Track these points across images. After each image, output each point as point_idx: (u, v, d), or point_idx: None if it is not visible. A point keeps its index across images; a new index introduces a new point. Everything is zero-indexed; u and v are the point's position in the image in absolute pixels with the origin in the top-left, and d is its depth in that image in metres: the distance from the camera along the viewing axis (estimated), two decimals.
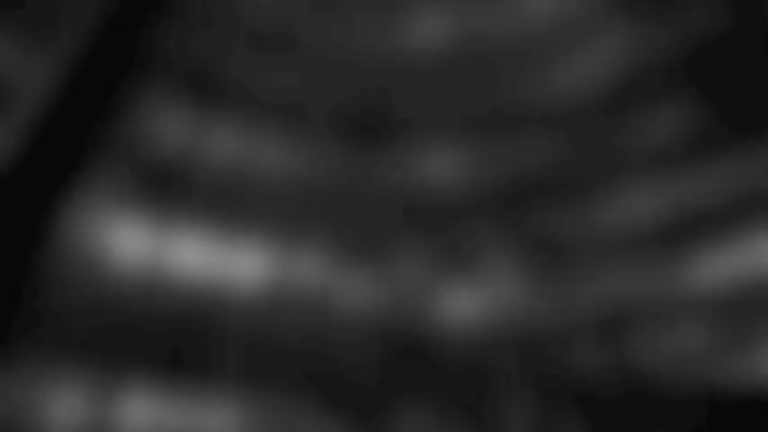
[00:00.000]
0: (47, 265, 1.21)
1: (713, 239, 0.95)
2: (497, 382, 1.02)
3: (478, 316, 1.08)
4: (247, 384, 1.09)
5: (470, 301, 1.05)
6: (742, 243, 0.96)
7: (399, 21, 1.90)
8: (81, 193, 1.27)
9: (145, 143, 1.39)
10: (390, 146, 1.42)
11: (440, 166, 1.42)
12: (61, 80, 1.39)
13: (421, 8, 1.90)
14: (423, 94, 1.53)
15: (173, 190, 1.26)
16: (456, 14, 1.86)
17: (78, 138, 1.46)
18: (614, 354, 0.95)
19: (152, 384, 1.09)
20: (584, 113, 1.33)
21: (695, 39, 1.21)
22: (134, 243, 1.20)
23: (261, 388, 1.06)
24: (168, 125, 1.34)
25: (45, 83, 1.33)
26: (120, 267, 1.15)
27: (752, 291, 0.91)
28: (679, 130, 1.11)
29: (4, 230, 1.24)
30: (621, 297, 0.97)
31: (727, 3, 1.21)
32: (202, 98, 1.49)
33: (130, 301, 1.13)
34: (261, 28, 1.86)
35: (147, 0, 1.65)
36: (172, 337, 1.11)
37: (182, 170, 1.30)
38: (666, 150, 1.10)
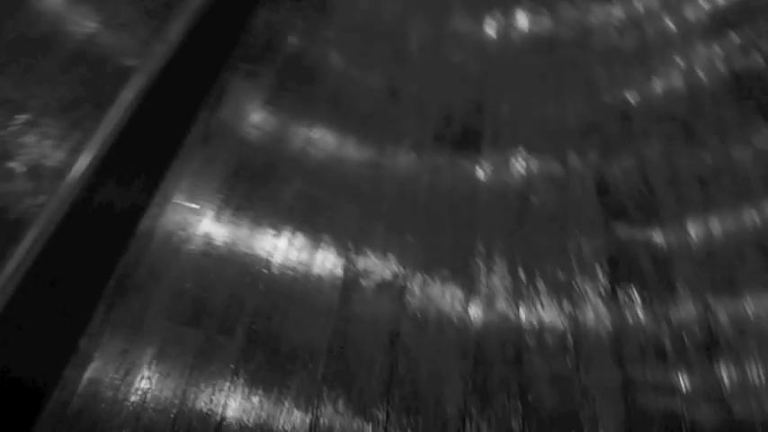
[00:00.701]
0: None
1: None
2: None
3: None
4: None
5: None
6: None
7: (495, 25, 1.80)
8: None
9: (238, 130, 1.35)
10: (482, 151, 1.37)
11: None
12: (167, 60, 1.41)
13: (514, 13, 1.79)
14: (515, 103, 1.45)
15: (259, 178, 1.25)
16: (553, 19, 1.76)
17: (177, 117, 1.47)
18: None
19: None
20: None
21: None
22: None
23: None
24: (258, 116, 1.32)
25: (155, 61, 1.36)
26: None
27: None
28: None
29: None
30: None
31: None
32: (298, 88, 1.47)
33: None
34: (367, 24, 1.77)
35: None
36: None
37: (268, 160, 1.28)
38: None
